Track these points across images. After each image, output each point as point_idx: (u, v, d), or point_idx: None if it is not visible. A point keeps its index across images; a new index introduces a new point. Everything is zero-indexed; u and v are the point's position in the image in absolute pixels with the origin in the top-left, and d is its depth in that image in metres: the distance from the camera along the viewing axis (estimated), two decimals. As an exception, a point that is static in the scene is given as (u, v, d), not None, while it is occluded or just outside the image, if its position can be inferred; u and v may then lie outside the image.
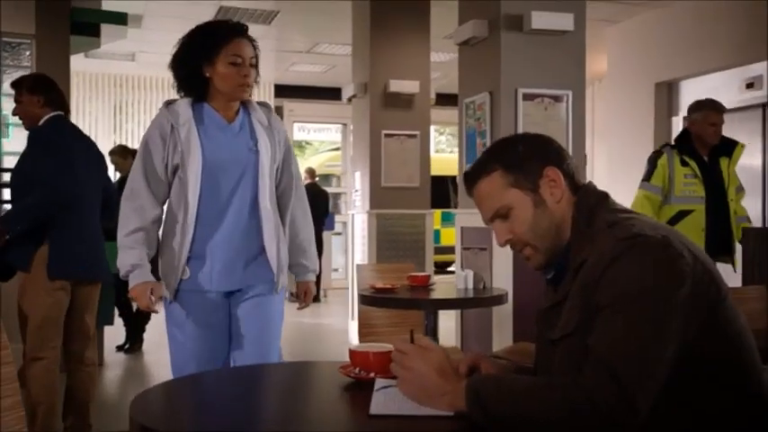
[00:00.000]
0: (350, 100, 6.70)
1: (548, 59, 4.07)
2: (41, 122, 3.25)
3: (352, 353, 1.59)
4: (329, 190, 10.76)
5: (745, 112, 6.67)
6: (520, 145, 1.49)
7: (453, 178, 12.09)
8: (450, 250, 11.14)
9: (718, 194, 4.19)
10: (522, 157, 1.46)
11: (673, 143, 4.48)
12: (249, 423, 1.35)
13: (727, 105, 6.71)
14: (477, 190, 1.50)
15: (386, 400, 1.36)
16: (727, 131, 6.92)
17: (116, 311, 5.60)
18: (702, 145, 4.25)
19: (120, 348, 6.06)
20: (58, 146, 3.20)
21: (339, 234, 11.21)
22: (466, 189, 1.53)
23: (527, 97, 4.02)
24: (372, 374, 1.53)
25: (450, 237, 11.39)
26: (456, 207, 11.59)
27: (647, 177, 4.18)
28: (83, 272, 3.31)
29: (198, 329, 2.33)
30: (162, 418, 1.33)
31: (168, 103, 2.37)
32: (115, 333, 5.93)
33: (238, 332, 2.38)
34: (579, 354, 1.28)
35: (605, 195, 1.46)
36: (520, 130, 3.97)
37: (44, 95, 3.24)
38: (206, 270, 2.33)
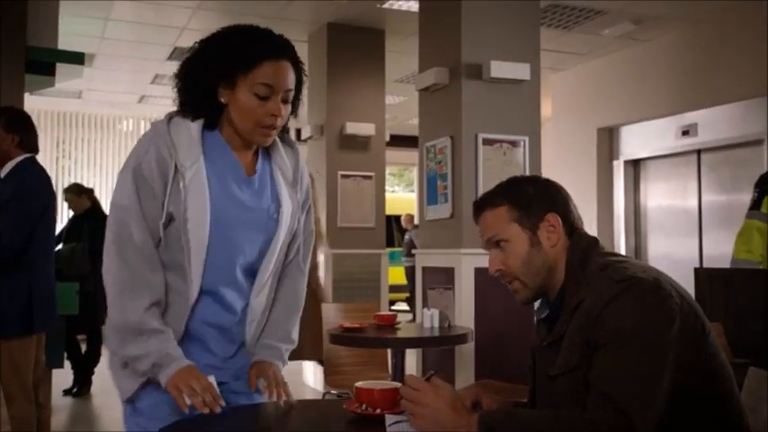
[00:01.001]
0: (305, 141, 6.79)
1: (505, 106, 4.26)
2: (14, 164, 3.15)
3: (358, 390, 1.65)
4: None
5: (682, 156, 7.04)
6: (530, 187, 1.60)
7: (397, 218, 12.25)
8: (398, 288, 11.28)
9: None
10: (529, 198, 1.57)
11: None
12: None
13: (665, 151, 7.14)
14: (482, 218, 1.61)
15: (400, 434, 1.44)
16: (665, 175, 7.33)
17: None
18: None
19: (67, 392, 5.89)
20: (38, 195, 3.15)
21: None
22: (473, 214, 1.64)
23: (486, 142, 4.19)
24: (378, 410, 1.60)
25: (397, 275, 11.51)
26: (401, 246, 11.81)
27: (757, 206, 3.90)
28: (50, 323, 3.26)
29: None
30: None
31: (169, 120, 1.68)
32: (63, 376, 5.77)
33: None
34: (579, 388, 1.39)
35: (595, 241, 1.58)
36: (480, 174, 4.14)
37: (21, 135, 3.15)
38: (198, 358, 1.66)
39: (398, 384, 1.71)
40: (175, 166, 1.61)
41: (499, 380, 3.20)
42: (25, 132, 3.19)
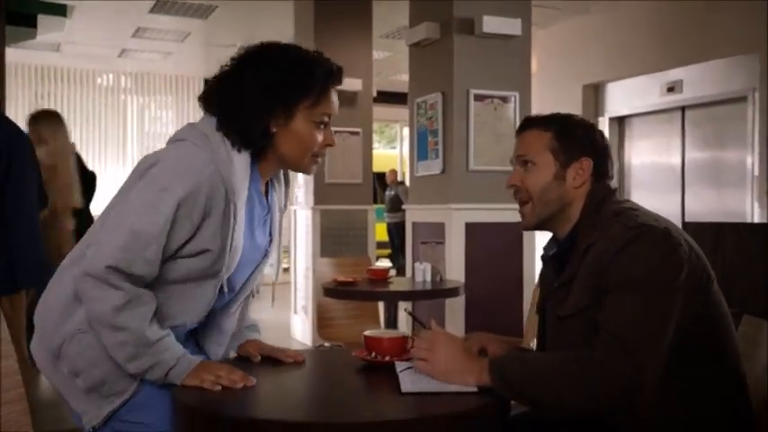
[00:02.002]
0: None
1: (497, 62, 4.26)
2: None
3: (367, 338, 1.70)
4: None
5: (666, 114, 7.10)
6: (582, 130, 1.65)
7: (380, 175, 12.25)
8: (380, 245, 11.34)
9: None
10: (575, 138, 1.63)
11: None
12: (294, 406, 1.45)
13: (649, 108, 7.19)
14: (525, 134, 1.67)
15: (412, 380, 1.48)
16: (649, 132, 7.38)
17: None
18: None
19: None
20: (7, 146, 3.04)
21: (271, 230, 11.19)
22: (519, 126, 1.70)
23: (478, 98, 4.20)
24: (387, 358, 1.65)
25: (380, 232, 11.56)
26: (383, 203, 11.84)
27: None
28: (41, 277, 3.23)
29: None
30: (211, 402, 1.39)
31: (225, 142, 1.53)
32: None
33: None
34: (588, 330, 1.44)
35: (614, 191, 1.64)
36: (471, 130, 4.16)
37: None
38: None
39: (405, 333, 1.76)
40: (227, 202, 1.50)
41: (489, 333, 3.28)
42: None
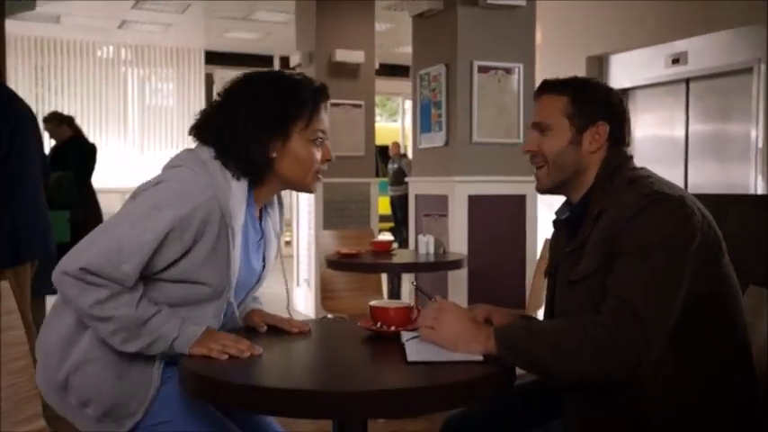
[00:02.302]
0: (293, 68, 6.70)
1: (501, 33, 4.22)
2: None
3: (373, 308, 1.70)
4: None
5: (671, 86, 7.05)
6: (599, 93, 1.63)
7: (383, 148, 12.21)
8: (384, 218, 11.34)
9: None
10: (592, 102, 1.61)
11: None
12: (301, 375, 1.46)
13: (654, 80, 7.13)
14: (541, 98, 1.66)
15: (418, 349, 1.49)
16: (654, 104, 7.33)
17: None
18: None
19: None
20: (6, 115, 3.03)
21: (272, 203, 11.18)
22: (536, 90, 1.68)
23: (481, 69, 4.16)
24: (393, 328, 1.66)
25: (382, 206, 11.57)
26: (385, 176, 11.81)
27: None
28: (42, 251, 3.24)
29: None
30: (219, 371, 1.40)
31: (225, 170, 1.57)
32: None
33: None
34: (599, 294, 1.45)
35: (629, 157, 1.63)
36: (475, 101, 4.13)
37: None
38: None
39: (410, 303, 1.77)
40: (221, 222, 1.52)
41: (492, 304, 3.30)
42: None
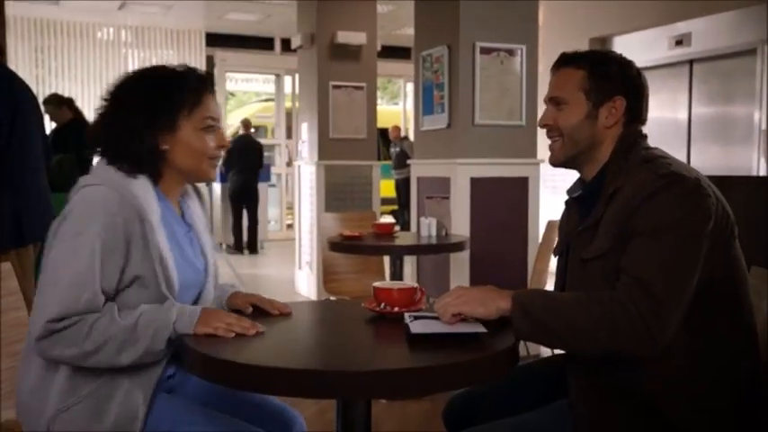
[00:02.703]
0: (294, 50, 6.66)
1: (503, 14, 4.20)
2: None
3: (377, 290, 1.71)
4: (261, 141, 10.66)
5: (674, 67, 7.01)
6: (617, 67, 1.61)
7: (384, 131, 12.17)
8: (387, 201, 11.33)
9: None
10: (609, 76, 1.60)
11: None
12: (306, 355, 1.47)
13: (657, 61, 7.09)
14: (558, 72, 1.65)
15: (421, 325, 1.50)
16: (657, 86, 7.28)
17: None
18: None
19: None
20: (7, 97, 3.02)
21: (274, 186, 11.18)
22: (554, 64, 1.67)
23: (484, 51, 4.15)
24: (396, 309, 1.67)
25: (386, 188, 11.55)
26: (387, 159, 11.78)
27: None
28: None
29: None
30: (225, 351, 1.41)
31: (119, 172, 1.58)
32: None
33: None
34: (612, 273, 1.45)
35: (644, 136, 1.63)
36: (477, 83, 4.11)
37: None
38: None
39: (414, 284, 1.77)
40: (140, 220, 1.53)
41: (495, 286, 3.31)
42: None
